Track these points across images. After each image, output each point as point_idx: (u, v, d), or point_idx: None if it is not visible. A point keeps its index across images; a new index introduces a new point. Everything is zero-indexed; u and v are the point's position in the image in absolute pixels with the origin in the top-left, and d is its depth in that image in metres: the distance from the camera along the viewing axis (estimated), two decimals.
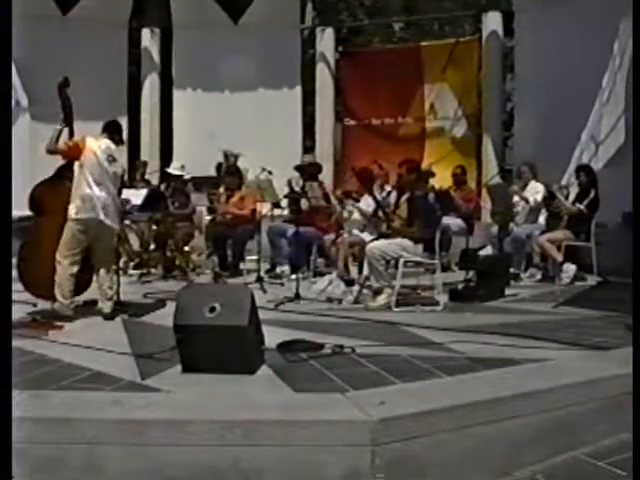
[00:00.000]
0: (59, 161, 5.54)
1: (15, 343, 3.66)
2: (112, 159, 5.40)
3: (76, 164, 5.32)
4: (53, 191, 5.47)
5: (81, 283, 5.39)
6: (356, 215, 7.53)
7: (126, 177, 6.16)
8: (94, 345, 4.27)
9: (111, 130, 5.59)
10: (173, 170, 8.66)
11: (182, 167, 8.65)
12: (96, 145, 5.36)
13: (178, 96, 12.32)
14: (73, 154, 5.34)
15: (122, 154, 5.70)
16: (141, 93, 12.39)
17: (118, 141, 5.60)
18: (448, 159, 10.76)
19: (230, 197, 8.14)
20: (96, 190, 5.26)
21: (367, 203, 7.25)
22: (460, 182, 8.93)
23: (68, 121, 5.42)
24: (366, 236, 6.62)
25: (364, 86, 12.04)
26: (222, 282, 7.05)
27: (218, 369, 3.59)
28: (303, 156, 10.06)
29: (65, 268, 5.19)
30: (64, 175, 5.46)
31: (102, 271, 5.39)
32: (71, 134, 5.43)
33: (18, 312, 4.80)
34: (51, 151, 5.35)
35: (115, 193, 5.49)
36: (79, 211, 5.23)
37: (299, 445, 2.87)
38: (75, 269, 5.24)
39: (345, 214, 7.69)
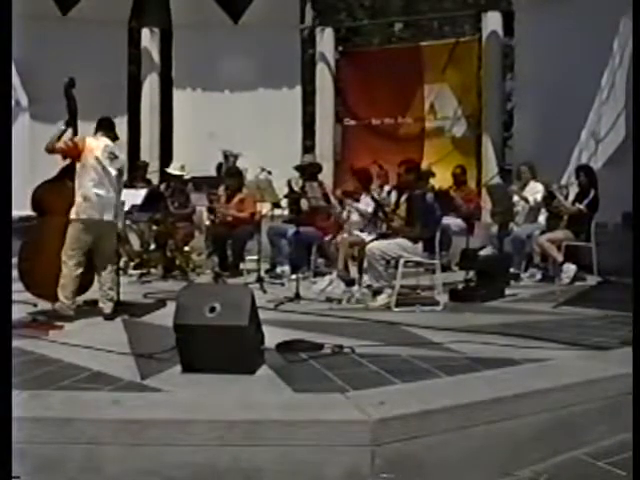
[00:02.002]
0: (60, 161, 5.54)
1: (15, 343, 3.66)
2: (113, 156, 5.42)
3: (77, 164, 5.32)
4: (55, 191, 5.48)
5: (83, 283, 5.40)
6: (355, 216, 7.52)
7: (126, 177, 6.16)
8: (94, 345, 4.27)
9: (106, 127, 5.58)
10: (173, 170, 8.65)
11: (182, 167, 8.64)
12: (96, 144, 5.36)
13: (178, 96, 12.32)
14: (72, 154, 5.35)
15: (122, 153, 5.70)
16: (141, 93, 12.38)
17: (113, 137, 5.60)
18: (448, 159, 10.76)
19: (230, 198, 8.14)
20: (98, 190, 5.27)
21: (366, 203, 7.25)
22: (460, 182, 8.95)
23: (73, 122, 5.44)
24: (366, 236, 6.62)
25: (364, 86, 12.03)
26: (222, 282, 7.05)
27: (218, 369, 3.59)
28: (303, 156, 10.06)
29: (70, 269, 5.20)
30: (67, 176, 5.46)
31: (104, 271, 5.40)
32: (75, 134, 5.44)
33: (18, 312, 4.80)
34: (50, 150, 5.35)
35: (119, 191, 5.52)
36: (81, 211, 5.24)
37: (299, 445, 2.87)
38: (80, 270, 5.25)
39: (344, 214, 7.65)
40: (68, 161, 5.45)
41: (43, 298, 5.37)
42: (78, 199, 5.25)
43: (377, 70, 11.89)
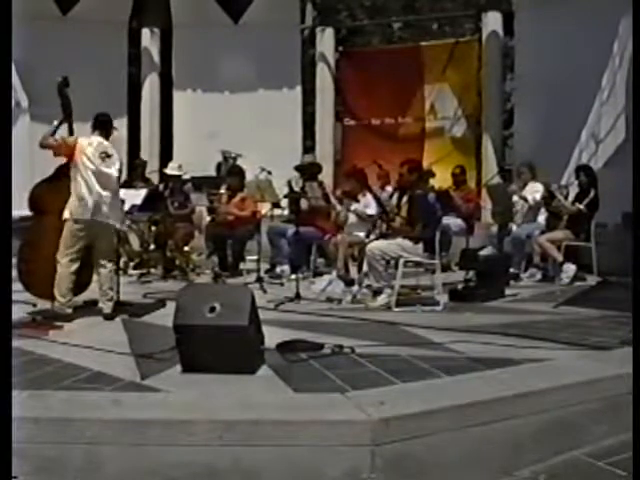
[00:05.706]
0: (58, 161, 5.53)
1: (15, 343, 3.67)
2: (105, 155, 5.37)
3: (71, 164, 5.32)
4: (52, 191, 5.48)
5: (81, 281, 5.39)
6: (354, 217, 7.48)
7: (125, 175, 6.12)
8: (94, 345, 4.27)
9: (100, 125, 5.55)
10: (170, 170, 8.63)
11: (179, 167, 8.62)
12: (87, 144, 5.35)
13: (178, 96, 12.31)
14: (63, 152, 5.35)
15: (121, 151, 5.67)
16: (141, 93, 12.37)
17: (109, 134, 5.56)
18: (448, 159, 10.75)
19: (232, 197, 8.14)
20: (89, 189, 5.26)
21: (365, 204, 7.24)
22: (460, 182, 8.94)
23: (68, 121, 5.44)
24: (366, 236, 6.61)
25: (364, 86, 12.03)
26: (222, 282, 7.05)
27: (218, 369, 3.59)
28: (303, 156, 10.05)
29: (64, 267, 5.21)
30: (64, 174, 5.46)
31: (103, 271, 5.39)
32: (71, 133, 5.44)
33: (18, 312, 4.81)
34: (43, 145, 5.35)
35: (115, 190, 5.48)
36: (74, 211, 5.25)
37: (299, 445, 2.87)
38: (74, 267, 5.24)
39: (351, 217, 7.58)
40: (64, 160, 5.45)
41: (42, 298, 5.37)
42: (71, 198, 5.26)
43: (377, 70, 11.88)
